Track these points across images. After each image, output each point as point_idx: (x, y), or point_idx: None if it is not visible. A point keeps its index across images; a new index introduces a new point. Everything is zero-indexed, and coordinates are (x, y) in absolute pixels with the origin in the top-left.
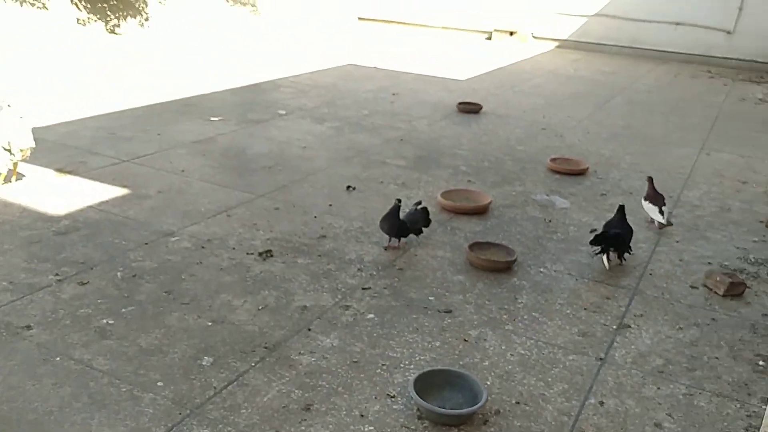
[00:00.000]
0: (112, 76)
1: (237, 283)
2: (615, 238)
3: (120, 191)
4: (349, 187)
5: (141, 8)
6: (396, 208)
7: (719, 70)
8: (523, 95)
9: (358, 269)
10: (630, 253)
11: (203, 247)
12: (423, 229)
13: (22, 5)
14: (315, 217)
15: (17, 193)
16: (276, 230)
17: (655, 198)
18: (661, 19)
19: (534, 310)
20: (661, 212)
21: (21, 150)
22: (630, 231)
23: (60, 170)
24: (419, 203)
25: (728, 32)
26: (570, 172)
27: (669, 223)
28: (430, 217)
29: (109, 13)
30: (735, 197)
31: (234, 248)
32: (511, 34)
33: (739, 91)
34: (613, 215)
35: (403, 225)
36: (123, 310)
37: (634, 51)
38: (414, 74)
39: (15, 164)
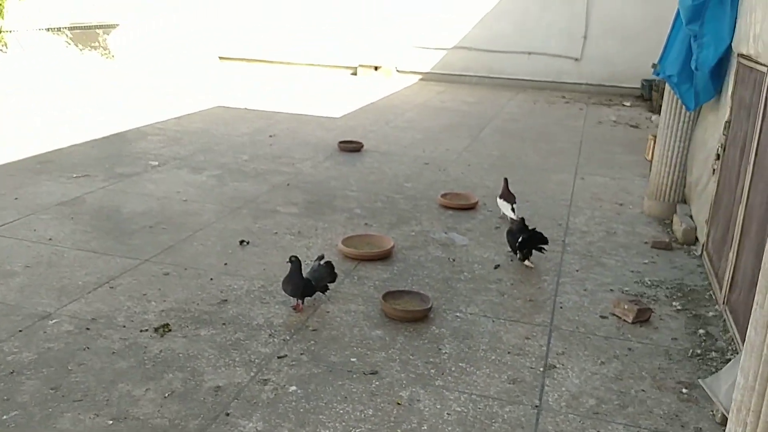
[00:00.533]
0: None
1: (135, 368)
2: (530, 240)
3: None
4: (242, 241)
5: None
6: (297, 267)
7: (572, 95)
8: (400, 130)
9: (270, 335)
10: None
11: (88, 329)
12: (329, 285)
13: None
14: (211, 279)
15: None
16: (170, 299)
17: (508, 197)
18: (515, 49)
19: (460, 360)
20: (513, 210)
21: None
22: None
23: None
24: (322, 257)
25: (576, 59)
26: (461, 207)
27: (520, 219)
28: (336, 270)
29: None
30: (617, 220)
31: (124, 326)
32: (376, 68)
33: (594, 115)
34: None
35: (308, 284)
36: (4, 417)
37: (492, 80)
38: (287, 113)
39: None
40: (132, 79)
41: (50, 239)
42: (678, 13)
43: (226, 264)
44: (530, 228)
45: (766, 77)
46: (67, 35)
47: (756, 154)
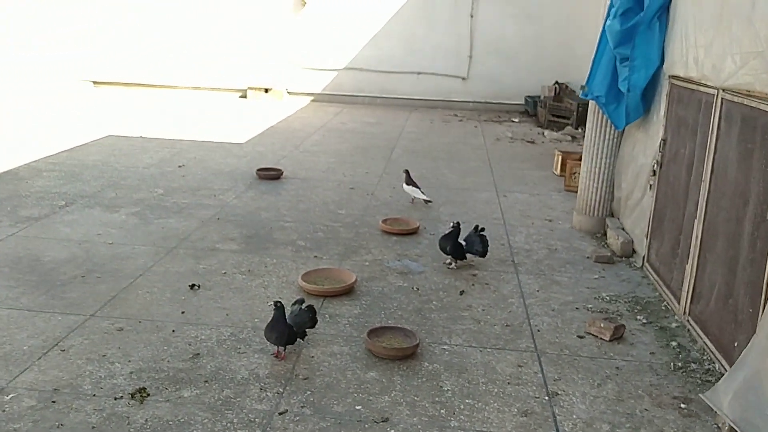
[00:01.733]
0: None
1: None
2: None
3: None
4: (192, 285)
5: None
6: (282, 314)
7: (463, 113)
8: (311, 154)
9: (261, 389)
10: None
11: (54, 402)
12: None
13: None
14: (173, 331)
15: None
16: (135, 358)
17: (414, 183)
18: (405, 69)
19: (465, 396)
20: (422, 192)
21: None
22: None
23: None
24: (302, 301)
25: (463, 78)
26: (403, 232)
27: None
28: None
29: None
30: (552, 236)
31: (94, 395)
32: (266, 90)
33: (490, 132)
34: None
35: (292, 331)
36: None
37: (385, 100)
38: (189, 141)
39: None
40: (2, 108)
41: None
42: (602, 36)
43: (183, 312)
44: (480, 229)
45: (716, 98)
46: None
47: (712, 172)
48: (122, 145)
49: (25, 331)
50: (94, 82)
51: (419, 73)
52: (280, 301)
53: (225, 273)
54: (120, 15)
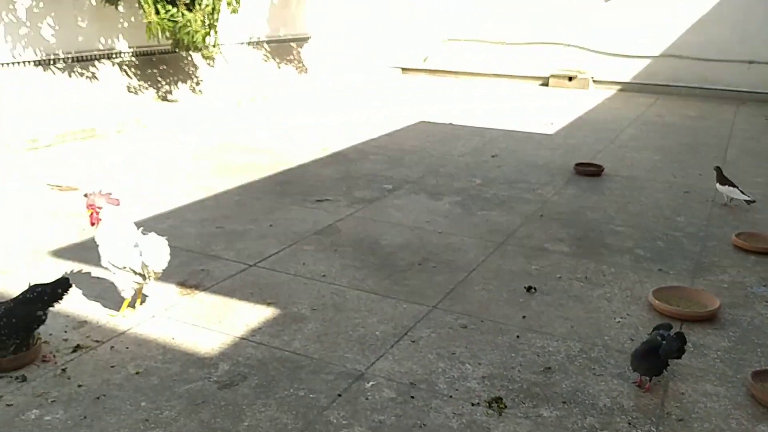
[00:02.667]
0: (183, 151)
1: None
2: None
3: (267, 312)
4: (529, 288)
5: (191, 72)
6: (658, 343)
7: None
8: (630, 150)
9: (629, 423)
10: None
11: (413, 397)
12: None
13: (70, 75)
14: (517, 336)
15: (148, 324)
16: (484, 362)
17: (730, 182)
18: (733, 57)
19: None
20: (742, 191)
21: (154, 273)
22: None
23: (183, 285)
24: (669, 327)
25: None
26: (763, 251)
27: (753, 200)
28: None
29: (159, 79)
30: None
31: (450, 396)
32: (570, 79)
33: None
34: None
35: (664, 363)
36: None
37: (705, 91)
38: (497, 130)
39: (141, 287)
40: (328, 92)
41: (323, 276)
42: None
43: (524, 317)
44: None
45: None
46: (265, 48)
47: None
48: (435, 131)
49: (374, 316)
50: (402, 69)
51: (751, 62)
52: (669, 326)
53: (560, 277)
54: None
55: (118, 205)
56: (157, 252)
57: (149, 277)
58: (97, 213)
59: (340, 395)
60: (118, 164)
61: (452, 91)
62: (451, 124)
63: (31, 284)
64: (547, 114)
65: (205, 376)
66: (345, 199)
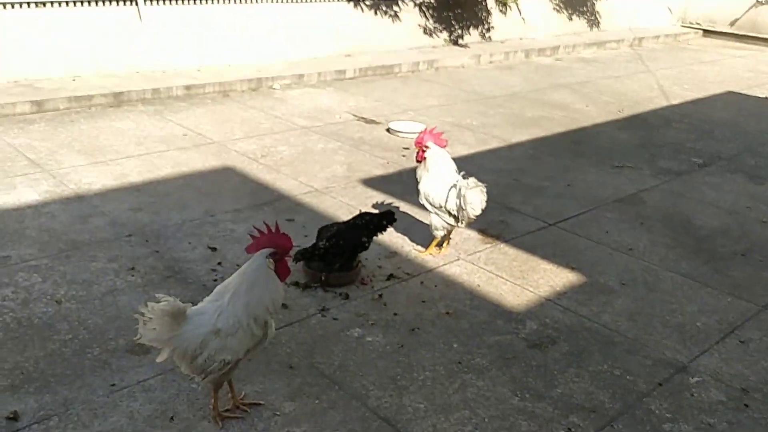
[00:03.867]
0: (468, 98)
1: None
2: None
3: (572, 277)
4: None
5: (483, 17)
6: None
7: None
8: None
9: None
10: None
11: (746, 405)
12: None
13: (376, 13)
14: None
15: (453, 266)
16: None
17: None
18: None
19: None
20: None
21: (468, 217)
22: None
23: (484, 233)
24: None
25: None
26: None
27: None
28: None
29: (453, 23)
30: None
31: None
32: None
33: None
34: None
35: None
36: None
37: None
38: None
39: (452, 229)
40: (622, 53)
41: (630, 249)
42: None
43: None
44: None
45: None
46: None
47: None
48: (747, 105)
49: (693, 304)
50: (704, 31)
51: None
52: None
53: None
54: None
55: (444, 146)
56: (475, 197)
57: (462, 220)
58: (423, 151)
59: (660, 384)
60: (434, 105)
61: (764, 61)
62: (765, 97)
63: (361, 211)
64: None
65: (513, 330)
66: (648, 168)
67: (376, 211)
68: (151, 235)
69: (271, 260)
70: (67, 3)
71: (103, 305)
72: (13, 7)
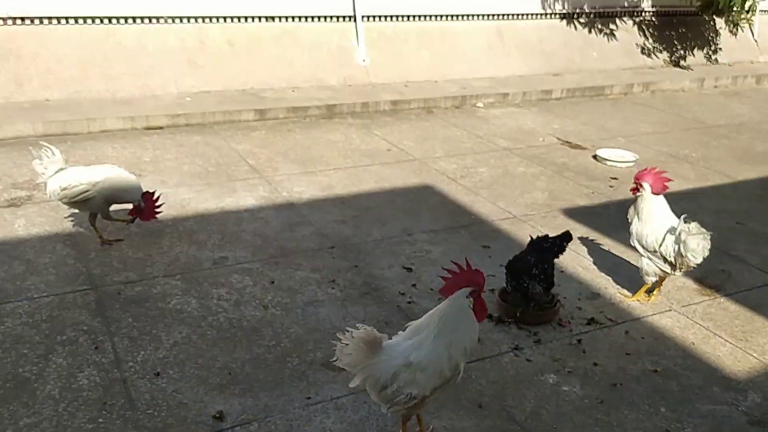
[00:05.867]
0: (685, 126)
1: None
2: None
3: None
4: None
5: (710, 38)
6: None
7: None
8: None
9: None
10: None
11: None
12: None
13: (590, 31)
14: None
15: (664, 317)
16: None
17: None
18: None
19: None
20: None
21: (687, 265)
22: None
23: (702, 283)
24: None
25: None
26: None
27: None
28: None
29: (675, 42)
30: None
31: None
32: None
33: None
34: None
35: None
36: None
37: None
38: None
39: (666, 276)
40: None
41: None
42: None
43: None
44: None
45: None
46: None
47: None
48: None
49: None
50: None
51: None
52: None
53: None
54: None
55: (664, 191)
56: (697, 244)
57: (680, 268)
58: (638, 189)
59: None
60: (648, 132)
61: None
62: None
63: (533, 237)
64: None
65: (732, 401)
66: None
67: (550, 233)
68: (352, 249)
69: (470, 299)
70: (293, 18)
71: (305, 315)
72: (247, 20)
